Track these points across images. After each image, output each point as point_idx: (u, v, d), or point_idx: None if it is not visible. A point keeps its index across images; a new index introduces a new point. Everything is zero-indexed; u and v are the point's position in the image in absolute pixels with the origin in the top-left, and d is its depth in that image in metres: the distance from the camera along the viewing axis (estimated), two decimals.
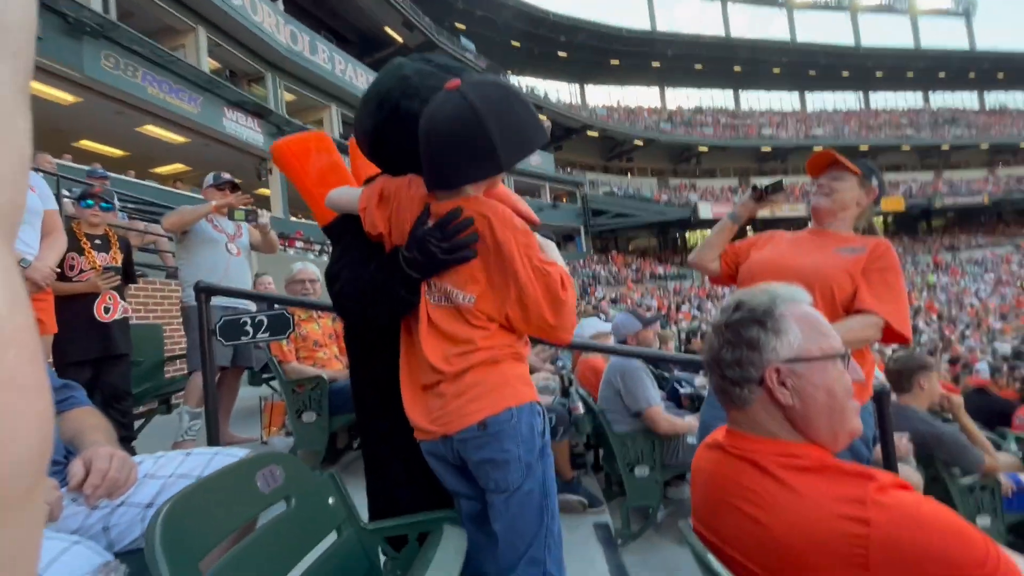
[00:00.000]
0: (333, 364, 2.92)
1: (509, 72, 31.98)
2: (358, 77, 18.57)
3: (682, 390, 3.48)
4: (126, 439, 2.63)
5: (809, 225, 1.70)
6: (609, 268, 26.57)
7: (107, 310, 2.65)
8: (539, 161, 26.61)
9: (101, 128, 12.61)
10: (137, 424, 2.92)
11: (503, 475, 1.00)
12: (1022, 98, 42.46)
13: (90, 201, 2.72)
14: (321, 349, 2.90)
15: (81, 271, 2.62)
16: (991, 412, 3.44)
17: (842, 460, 0.76)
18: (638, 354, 2.41)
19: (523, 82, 32.90)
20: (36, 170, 4.50)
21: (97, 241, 2.71)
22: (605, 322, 3.74)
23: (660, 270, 28.72)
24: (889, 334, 1.47)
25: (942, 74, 41.18)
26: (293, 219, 15.94)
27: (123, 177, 10.88)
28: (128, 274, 2.91)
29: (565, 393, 3.15)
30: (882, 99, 43.57)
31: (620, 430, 2.52)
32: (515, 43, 32.18)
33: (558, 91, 37.03)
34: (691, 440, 2.48)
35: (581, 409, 2.61)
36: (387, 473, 1.22)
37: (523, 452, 1.01)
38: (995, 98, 43.88)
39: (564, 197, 29.70)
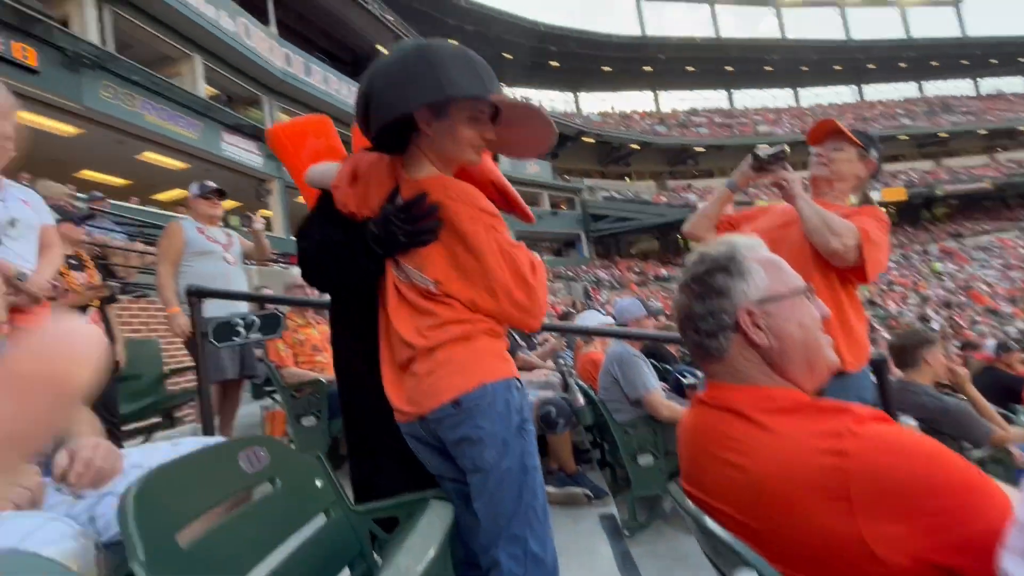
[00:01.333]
0: (332, 369, 2.91)
1: (502, 83, 32.23)
2: (351, 95, 18.74)
3: (685, 380, 3.45)
4: None
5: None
6: (612, 272, 26.54)
7: None
8: (537, 169, 26.78)
9: (102, 158, 12.80)
10: (140, 439, 2.92)
11: (479, 452, 0.98)
12: (1018, 82, 42.39)
13: (72, 217, 2.75)
14: (320, 353, 2.90)
15: (65, 291, 2.61)
16: (1001, 388, 3.39)
17: (820, 398, 0.75)
18: (636, 335, 2.39)
19: (517, 92, 33.17)
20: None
21: (72, 261, 2.73)
22: (605, 316, 3.74)
23: (664, 272, 28.65)
24: (857, 272, 1.46)
25: (935, 63, 41.24)
26: (294, 238, 16.04)
27: (124, 203, 11.01)
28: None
29: (566, 388, 3.13)
30: (876, 91, 43.67)
31: (621, 419, 2.49)
32: (507, 55, 32.53)
33: (552, 100, 37.38)
34: None
35: (582, 400, 2.59)
36: (372, 457, 1.21)
37: (499, 428, 0.98)
38: (990, 84, 43.85)
39: (563, 204, 29.80)
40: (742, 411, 0.76)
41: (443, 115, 1.00)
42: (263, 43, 15.31)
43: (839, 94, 43.49)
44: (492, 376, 1.00)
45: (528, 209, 1.28)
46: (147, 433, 2.99)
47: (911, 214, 37.02)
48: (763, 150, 1.60)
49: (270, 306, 2.68)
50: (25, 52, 9.33)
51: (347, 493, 1.14)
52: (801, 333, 0.77)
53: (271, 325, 1.81)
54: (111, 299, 2.88)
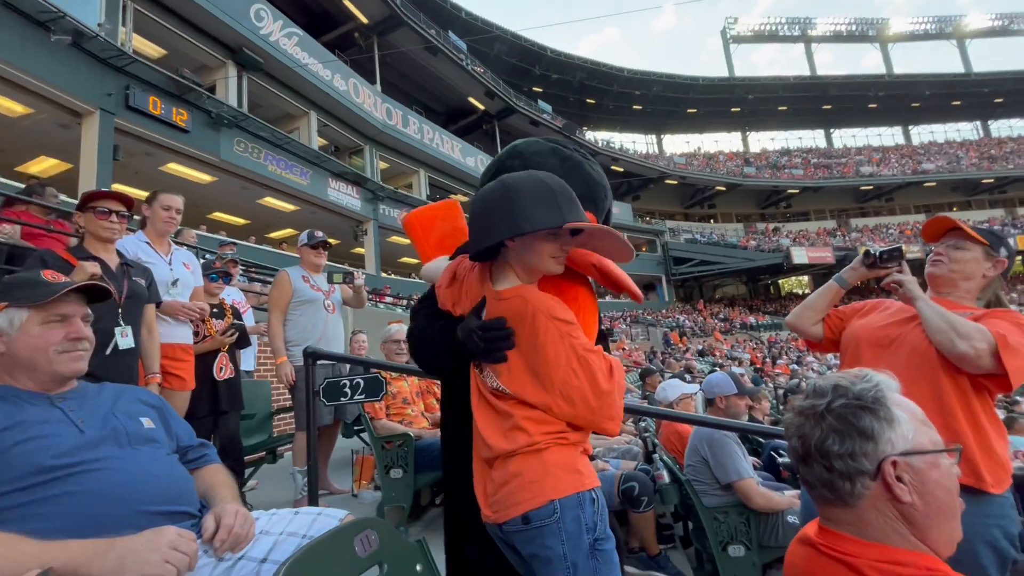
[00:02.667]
0: (420, 421, 3.05)
1: (585, 128, 32.96)
2: (444, 144, 20.14)
3: (780, 459, 3.20)
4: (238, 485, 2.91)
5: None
6: (694, 318, 25.37)
7: (221, 370, 2.98)
8: (616, 211, 26.60)
9: (229, 202, 14.67)
10: (248, 471, 3.21)
11: (548, 573, 0.98)
12: None
13: (214, 275, 3.17)
14: (409, 406, 3.06)
15: (204, 337, 2.97)
16: None
17: (954, 570, 0.70)
18: (720, 424, 2.28)
19: (599, 136, 33.68)
20: (182, 244, 5.34)
21: (215, 310, 3.07)
22: (691, 383, 3.59)
23: (751, 319, 26.91)
24: (999, 380, 1.31)
25: None
26: (384, 275, 17.15)
27: (244, 243, 12.44)
28: (242, 338, 3.23)
29: (648, 459, 3.02)
30: (1006, 127, 39.14)
31: (710, 503, 2.36)
32: (590, 100, 33.30)
33: (634, 142, 37.44)
34: (792, 519, 2.26)
35: (666, 478, 2.49)
36: (469, 539, 1.26)
37: (568, 550, 0.97)
38: None
39: (644, 246, 29.28)
40: (864, 572, 0.72)
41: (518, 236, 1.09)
42: (368, 100, 16.97)
43: (959, 131, 39.50)
44: (562, 492, 1.00)
45: (636, 289, 1.28)
46: (255, 465, 3.28)
47: None
48: (877, 248, 1.54)
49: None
50: (181, 115, 11.08)
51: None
52: (947, 498, 0.72)
53: (374, 389, 1.97)
54: (242, 342, 3.25)
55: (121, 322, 2.03)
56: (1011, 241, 28.21)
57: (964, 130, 39.46)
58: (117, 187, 10.81)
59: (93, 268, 1.93)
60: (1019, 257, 31.59)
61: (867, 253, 1.54)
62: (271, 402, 3.98)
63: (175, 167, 12.20)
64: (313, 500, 2.21)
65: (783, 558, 2.40)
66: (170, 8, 11.63)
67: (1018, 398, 9.83)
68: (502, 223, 1.03)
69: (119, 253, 2.21)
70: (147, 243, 2.54)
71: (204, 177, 12.91)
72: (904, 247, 1.51)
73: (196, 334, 2.90)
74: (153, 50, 12.67)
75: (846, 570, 0.75)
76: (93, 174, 9.61)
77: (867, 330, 1.52)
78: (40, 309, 1.17)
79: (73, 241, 3.66)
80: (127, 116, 10.19)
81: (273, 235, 17.65)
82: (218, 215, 15.53)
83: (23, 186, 5.38)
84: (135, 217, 2.45)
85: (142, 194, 2.65)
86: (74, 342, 1.21)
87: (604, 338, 1.36)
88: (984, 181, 33.18)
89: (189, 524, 1.15)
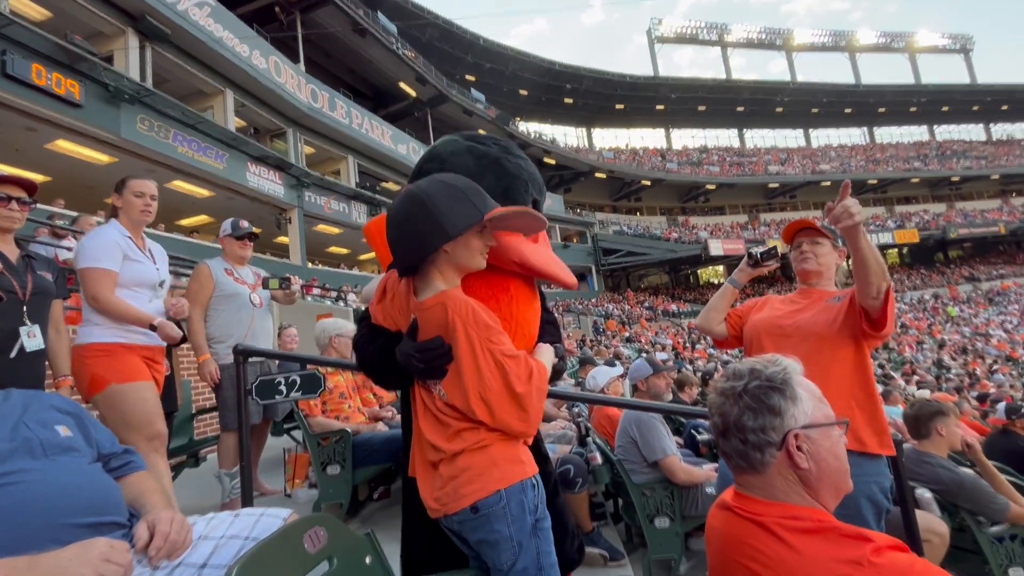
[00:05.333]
0: (356, 417, 3.00)
1: (517, 119, 33.14)
2: (373, 129, 19.44)
3: (700, 437, 3.49)
4: None
5: (796, 287, 1.81)
6: (622, 307, 26.53)
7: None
8: (548, 203, 27.12)
9: None
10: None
11: (496, 554, 1.07)
12: None
13: None
14: (346, 401, 3.00)
15: None
16: (1018, 455, 3.36)
17: (841, 521, 0.84)
18: (645, 407, 2.46)
19: (531, 128, 34.05)
20: (80, 232, 4.80)
21: None
22: (615, 367, 3.80)
23: (673, 307, 28.59)
24: (882, 317, 1.51)
25: (945, 108, 41.76)
26: (310, 266, 16.36)
27: (152, 231, 11.37)
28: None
29: (582, 442, 3.18)
30: (887, 133, 44.15)
31: (639, 480, 2.54)
32: (523, 91, 33.51)
33: (565, 135, 38.22)
34: (710, 490, 2.49)
35: (599, 459, 2.64)
36: (424, 531, 1.31)
37: (514, 531, 1.07)
38: (1001, 129, 44.19)
39: (575, 237, 30.12)
40: (770, 527, 0.85)
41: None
42: (292, 79, 15.99)
43: (850, 136, 44.04)
44: (506, 482, 1.09)
45: (566, 277, 1.32)
46: (174, 472, 3.07)
47: (924, 256, 36.83)
48: (757, 250, 1.83)
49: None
50: (71, 86, 9.86)
51: (392, 570, 1.22)
52: (836, 463, 0.87)
53: (312, 385, 1.93)
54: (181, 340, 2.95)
55: (27, 321, 1.83)
56: (887, 235, 31.89)
57: (854, 135, 44.08)
58: None
59: None
60: (891, 250, 36.09)
61: (749, 254, 1.84)
62: (191, 404, 3.73)
63: (65, 144, 10.86)
64: (247, 502, 2.13)
65: (703, 526, 2.64)
66: None
67: (892, 373, 11.29)
68: (430, 233, 1.08)
69: (18, 243, 1.96)
70: (129, 237, 2.24)
71: (101, 157, 11.61)
72: (779, 248, 1.75)
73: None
74: (35, 11, 11.14)
75: (756, 528, 0.88)
76: None
77: (765, 323, 1.75)
78: None
79: None
80: (3, 85, 8.93)
81: (184, 222, 16.24)
82: None
83: None
84: (38, 206, 2.16)
85: (25, 173, 2.33)
86: None
87: (554, 324, 1.41)
88: (869, 182, 37.28)
89: (120, 535, 1.09)
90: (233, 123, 14.50)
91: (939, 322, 24.32)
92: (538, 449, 1.38)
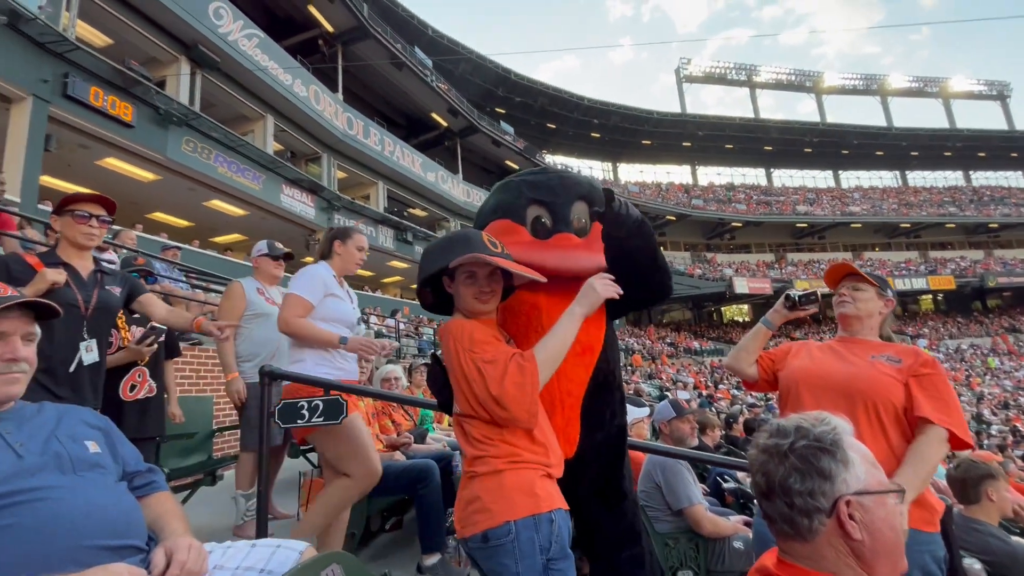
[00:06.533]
0: (374, 444, 2.97)
1: (544, 152, 33.66)
2: (404, 157, 19.99)
3: (726, 485, 3.33)
4: None
5: (837, 333, 1.73)
6: (642, 341, 26.11)
7: (132, 388, 2.56)
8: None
9: (172, 202, 13.87)
10: (184, 495, 3.00)
11: None
12: None
13: (135, 274, 2.95)
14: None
15: (118, 348, 2.55)
16: None
17: None
18: (667, 452, 2.37)
19: (557, 161, 34.49)
20: (120, 246, 4.99)
21: (136, 316, 2.62)
22: (642, 407, 3.69)
23: (696, 344, 28.01)
24: (953, 442, 1.45)
25: (982, 154, 40.87)
26: None
27: (187, 247, 11.77)
28: (171, 348, 2.94)
29: None
30: (920, 177, 43.34)
31: (662, 529, 2.43)
32: (550, 125, 34.15)
33: (591, 168, 38.60)
34: (737, 544, 2.36)
35: None
36: None
37: (522, 569, 1.03)
38: None
39: None
40: None
41: (452, 284, 1.32)
42: (330, 107, 16.66)
43: (881, 179, 43.37)
44: (516, 514, 1.06)
45: (580, 268, 1.43)
46: (191, 489, 3.06)
47: (961, 304, 35.49)
48: (796, 292, 1.75)
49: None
50: (125, 109, 10.45)
51: None
52: (892, 535, 0.79)
53: (334, 412, 1.91)
54: (171, 351, 2.97)
55: (86, 336, 1.88)
56: (921, 280, 30.80)
57: (885, 178, 43.39)
58: (46, 179, 10.01)
59: (56, 276, 1.78)
60: (925, 296, 34.86)
61: (787, 296, 1.75)
62: (212, 421, 3.75)
63: (114, 162, 11.44)
64: (262, 526, 2.10)
65: None
66: None
67: None
68: (418, 277, 1.35)
69: (95, 259, 2.02)
70: (335, 277, 2.31)
71: (146, 175, 12.17)
72: (819, 291, 1.69)
73: (110, 344, 2.40)
74: (98, 38, 11.94)
75: None
76: (19, 163, 8.85)
77: (803, 372, 1.66)
78: None
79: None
80: (64, 105, 9.51)
81: (218, 239, 16.80)
82: (159, 215, 14.64)
83: None
84: (114, 226, 2.26)
85: (72, 187, 2.43)
86: (8, 363, 1.13)
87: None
88: (902, 225, 36.44)
89: (137, 559, 1.08)
90: (272, 147, 15.08)
91: (977, 374, 23.20)
92: (631, 522, 1.54)
